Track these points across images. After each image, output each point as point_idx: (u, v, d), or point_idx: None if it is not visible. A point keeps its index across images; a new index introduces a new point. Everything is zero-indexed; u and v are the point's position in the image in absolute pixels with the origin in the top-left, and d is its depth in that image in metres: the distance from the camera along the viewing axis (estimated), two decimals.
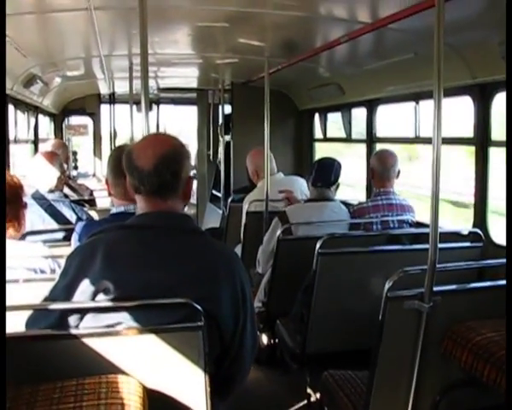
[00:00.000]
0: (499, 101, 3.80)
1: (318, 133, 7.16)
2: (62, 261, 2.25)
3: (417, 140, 4.96)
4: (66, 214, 3.92)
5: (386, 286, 2.48)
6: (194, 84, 8.30)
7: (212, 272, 2.04)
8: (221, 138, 7.89)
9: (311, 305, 3.46)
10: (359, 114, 5.99)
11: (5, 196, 2.64)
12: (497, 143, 3.88)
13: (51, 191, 3.97)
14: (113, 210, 2.88)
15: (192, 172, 8.38)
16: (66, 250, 2.62)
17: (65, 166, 4.47)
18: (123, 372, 1.85)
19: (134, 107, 5.82)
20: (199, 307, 1.88)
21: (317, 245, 3.40)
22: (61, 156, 4.49)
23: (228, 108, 7.72)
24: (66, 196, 4.30)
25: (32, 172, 4.07)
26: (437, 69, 2.36)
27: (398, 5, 3.12)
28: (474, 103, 3.92)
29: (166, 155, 2.04)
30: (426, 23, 2.81)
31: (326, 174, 4.18)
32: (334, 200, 4.27)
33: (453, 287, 2.58)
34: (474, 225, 3.95)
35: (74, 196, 4.93)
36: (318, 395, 3.40)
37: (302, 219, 4.11)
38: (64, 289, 1.97)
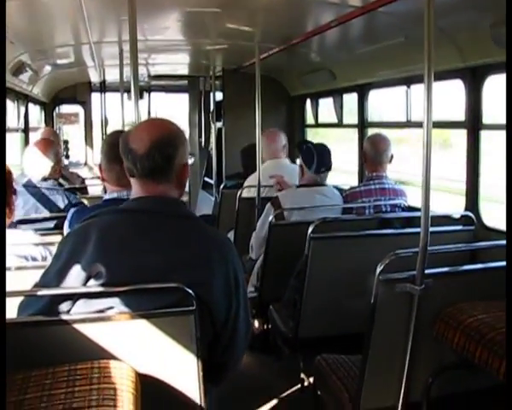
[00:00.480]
0: (490, 84, 3.80)
1: (310, 119, 7.16)
2: (54, 249, 2.25)
3: (409, 124, 4.96)
4: (60, 203, 3.90)
5: (378, 269, 2.48)
6: (185, 72, 8.28)
7: (204, 258, 2.04)
8: (213, 125, 7.88)
9: (303, 290, 3.46)
10: (351, 99, 5.98)
11: (5, 196, 2.64)
12: (489, 127, 3.89)
13: (44, 179, 3.95)
14: (106, 196, 2.87)
15: (190, 160, 8.39)
16: (58, 238, 2.62)
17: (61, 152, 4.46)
18: (115, 358, 1.85)
19: (125, 95, 5.81)
20: (190, 292, 1.88)
21: (309, 230, 3.40)
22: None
23: (219, 95, 7.71)
24: (60, 184, 4.28)
25: (26, 160, 4.05)
26: (427, 53, 2.35)
27: None
28: (465, 87, 3.92)
29: (160, 138, 2.04)
30: (416, 6, 2.81)
31: (326, 159, 4.19)
32: (327, 185, 4.27)
33: (445, 269, 2.59)
34: (466, 209, 3.96)
35: (66, 185, 4.91)
36: (311, 380, 3.41)
37: (295, 204, 4.11)
38: (57, 273, 1.97)
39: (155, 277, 1.91)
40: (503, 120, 3.40)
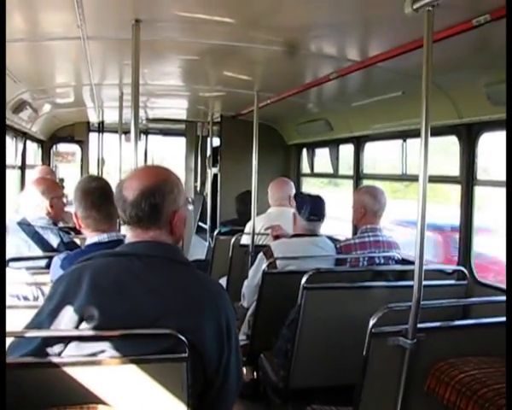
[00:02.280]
0: (485, 141, 3.85)
1: (306, 168, 7.21)
2: (46, 289, 2.23)
3: (404, 177, 5.00)
4: (53, 242, 3.88)
5: (371, 322, 2.48)
6: (183, 116, 8.35)
7: (197, 305, 2.03)
8: (209, 170, 7.92)
9: (295, 339, 3.44)
10: (347, 150, 6.03)
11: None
12: (483, 183, 3.93)
13: (41, 218, 3.93)
14: (87, 242, 2.88)
15: (190, 206, 8.39)
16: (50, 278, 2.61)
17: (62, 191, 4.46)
18: (104, 402, 1.83)
19: (123, 136, 5.85)
20: (183, 338, 1.87)
21: (303, 280, 3.39)
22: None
23: (216, 141, 7.76)
24: (54, 223, 4.27)
25: (21, 198, 4.06)
26: (424, 108, 2.40)
27: (387, 44, 3.18)
28: (460, 143, 3.97)
29: (148, 187, 2.06)
30: (414, 63, 2.87)
31: (319, 208, 4.21)
32: (320, 235, 4.28)
33: (437, 324, 2.59)
34: (459, 263, 3.98)
35: (60, 224, 4.89)
36: None
37: (287, 253, 4.10)
38: (49, 314, 1.95)
39: (148, 322, 1.90)
40: (497, 176, 3.44)
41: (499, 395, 2.13)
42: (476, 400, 2.19)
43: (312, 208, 4.18)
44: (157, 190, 2.07)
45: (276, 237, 4.59)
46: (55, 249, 3.80)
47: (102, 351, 1.89)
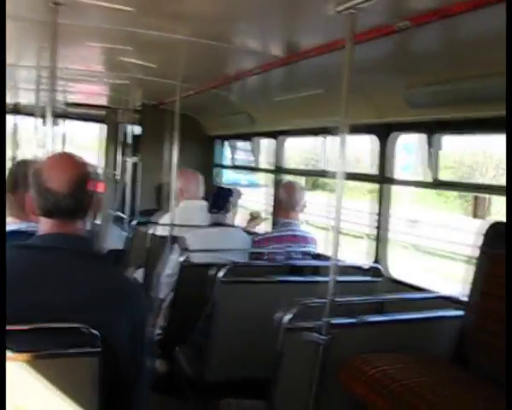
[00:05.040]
0: (402, 141, 3.96)
1: (227, 160, 7.21)
2: None
3: (323, 173, 5.07)
4: None
5: (286, 317, 2.51)
6: (103, 102, 8.17)
7: (109, 299, 1.99)
8: (129, 159, 7.78)
9: (210, 333, 3.43)
10: (267, 144, 6.08)
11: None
12: (400, 182, 4.03)
13: None
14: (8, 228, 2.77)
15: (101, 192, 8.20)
16: None
17: None
18: (11, 401, 1.75)
19: (40, 120, 5.66)
20: (95, 332, 1.82)
21: (220, 273, 3.39)
22: None
23: (137, 129, 7.63)
24: None
25: None
26: (344, 107, 2.43)
27: (310, 42, 3.21)
28: (379, 142, 4.06)
29: (79, 177, 2.04)
30: (336, 62, 2.90)
31: (224, 200, 4.23)
32: (236, 227, 4.29)
33: (351, 320, 2.63)
34: (375, 261, 4.07)
35: None
36: None
37: (202, 245, 4.07)
38: None
39: (58, 316, 1.84)
40: (411, 177, 3.53)
41: (408, 391, 2.20)
42: (386, 394, 2.24)
43: (214, 201, 4.21)
44: (81, 182, 2.04)
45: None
46: None
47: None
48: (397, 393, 2.21)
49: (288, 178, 5.51)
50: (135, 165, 7.54)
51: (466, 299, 2.77)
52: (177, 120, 4.81)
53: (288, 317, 2.50)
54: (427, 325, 2.85)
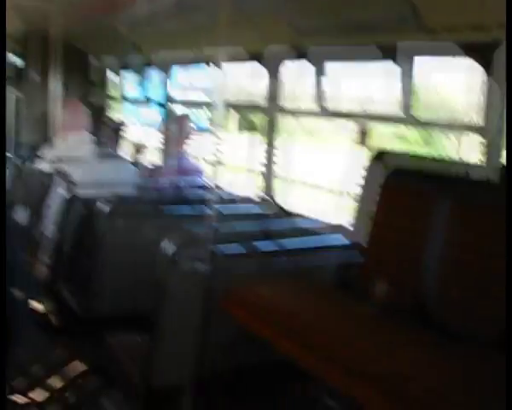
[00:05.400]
0: (288, 69, 3.90)
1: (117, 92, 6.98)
2: None
3: (211, 105, 4.98)
4: None
5: (171, 249, 2.47)
6: None
7: None
8: (11, 94, 7.35)
9: (97, 268, 3.35)
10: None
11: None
12: (288, 112, 4.00)
13: None
14: None
15: None
16: None
17: None
18: None
19: None
20: None
21: (105, 207, 3.29)
22: None
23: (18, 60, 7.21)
24: None
25: None
26: (222, 34, 2.38)
27: None
28: (267, 72, 3.99)
29: None
30: None
31: (112, 133, 4.12)
32: (123, 159, 4.18)
33: (236, 249, 2.63)
34: (266, 192, 4.06)
35: None
36: (101, 360, 3.32)
37: (87, 178, 3.93)
38: None
39: None
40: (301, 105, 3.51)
41: (287, 316, 2.23)
42: (269, 320, 2.27)
43: (102, 134, 4.11)
44: None
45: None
46: None
47: None
48: (277, 320, 2.24)
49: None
50: (18, 98, 7.14)
51: (352, 228, 2.86)
52: (60, 50, 4.57)
53: (171, 247, 2.46)
54: (317, 253, 2.89)
